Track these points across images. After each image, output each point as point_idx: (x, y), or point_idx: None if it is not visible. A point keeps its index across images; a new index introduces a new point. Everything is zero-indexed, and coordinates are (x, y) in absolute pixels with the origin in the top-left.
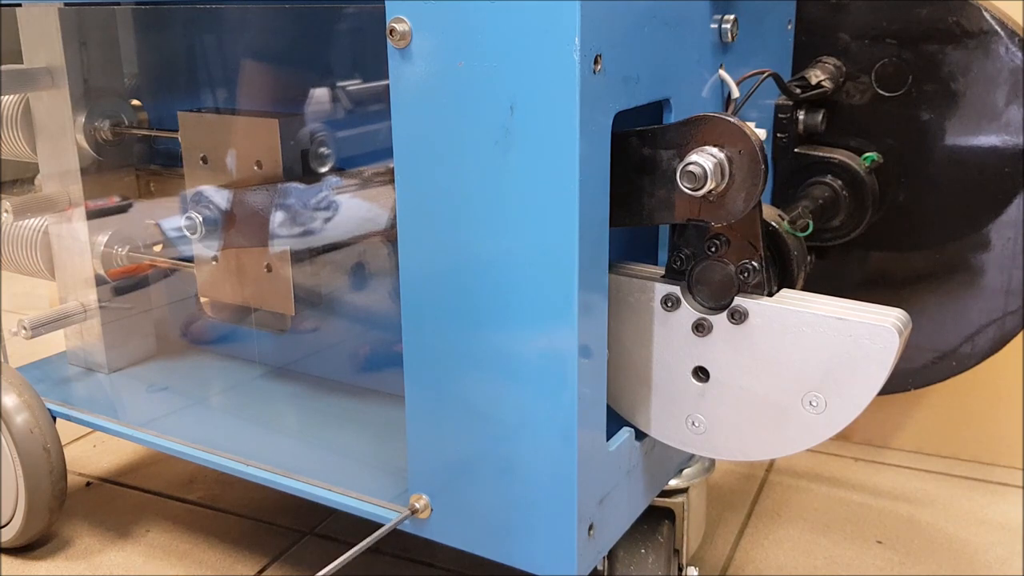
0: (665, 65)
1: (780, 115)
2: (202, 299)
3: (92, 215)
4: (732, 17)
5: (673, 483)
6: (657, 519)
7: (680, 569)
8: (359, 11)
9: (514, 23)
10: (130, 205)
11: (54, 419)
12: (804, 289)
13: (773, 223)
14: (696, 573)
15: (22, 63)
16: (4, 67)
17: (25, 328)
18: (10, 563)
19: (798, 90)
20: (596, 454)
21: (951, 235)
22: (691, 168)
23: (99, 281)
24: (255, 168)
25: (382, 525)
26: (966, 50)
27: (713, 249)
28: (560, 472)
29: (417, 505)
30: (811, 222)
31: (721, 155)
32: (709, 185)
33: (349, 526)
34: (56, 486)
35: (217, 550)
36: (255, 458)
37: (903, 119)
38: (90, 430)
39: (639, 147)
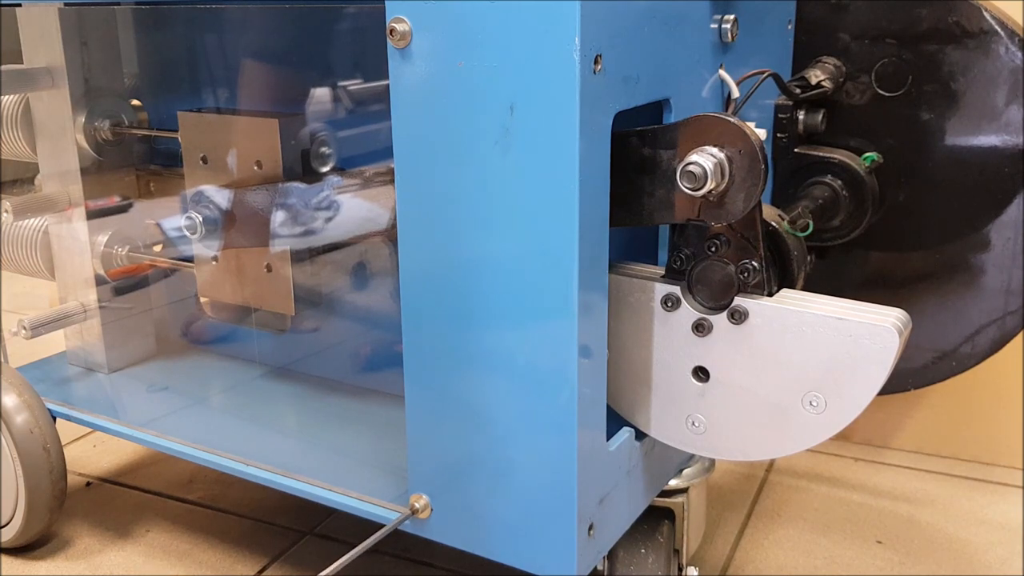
0: (665, 65)
1: (780, 115)
2: (202, 299)
3: (92, 215)
4: (732, 17)
5: (673, 483)
6: (657, 519)
7: (680, 569)
8: (359, 11)
9: (514, 23)
10: (130, 205)
11: (54, 419)
12: (804, 289)
13: (773, 223)
14: (696, 573)
15: (22, 63)
16: (4, 67)
17: (25, 328)
18: (10, 563)
19: (798, 90)
20: (596, 454)
21: (951, 235)
22: (691, 168)
23: (99, 281)
24: (255, 168)
25: (382, 525)
26: (966, 50)
27: (713, 249)
28: (560, 472)
29: (417, 505)
30: (811, 222)
31: (721, 155)
32: (709, 185)
33: (349, 526)
34: (56, 486)
35: (217, 550)
36: (255, 458)
37: (903, 119)
38: (90, 430)
39: (639, 147)
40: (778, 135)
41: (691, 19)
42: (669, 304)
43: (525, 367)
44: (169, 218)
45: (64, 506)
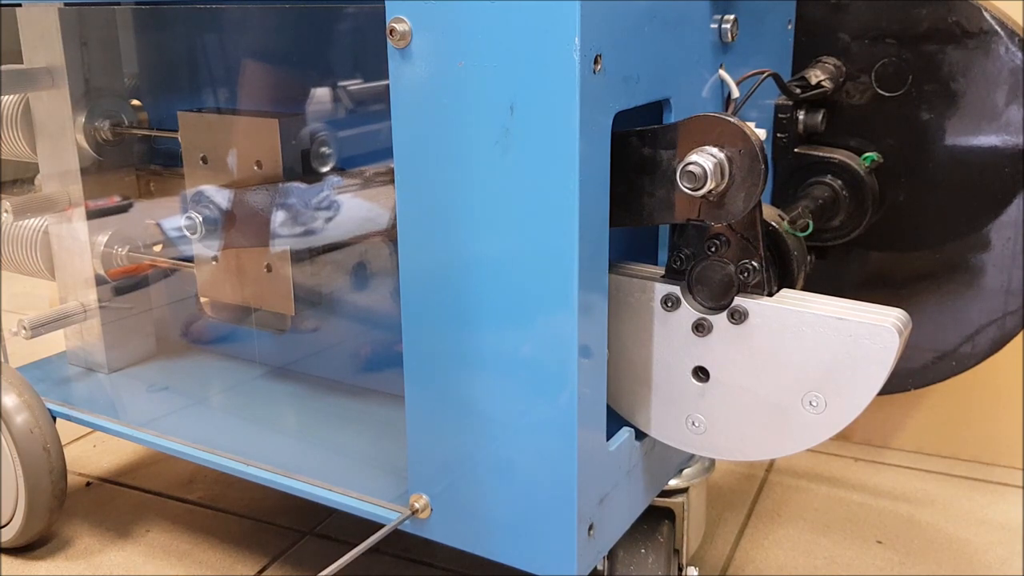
0: (665, 65)
1: (780, 115)
2: (202, 299)
3: (92, 215)
4: (732, 17)
5: (673, 483)
6: (657, 519)
7: (680, 569)
8: (359, 11)
9: (514, 23)
10: (130, 205)
11: (54, 419)
12: (804, 289)
13: (773, 223)
14: (696, 573)
15: (22, 63)
16: (4, 67)
17: (25, 328)
18: (10, 563)
19: (798, 90)
20: (596, 454)
21: (951, 235)
22: (691, 168)
23: (99, 281)
24: (255, 168)
25: (382, 525)
26: (966, 50)
27: (713, 249)
28: (560, 472)
29: (417, 505)
30: (811, 222)
31: (721, 155)
32: (709, 185)
33: (349, 526)
34: (56, 486)
35: (217, 550)
36: (255, 458)
37: (903, 119)
38: (90, 430)
39: (639, 147)
40: (778, 135)
41: (691, 19)
42: (669, 304)
43: (525, 367)
44: (169, 218)
45: (64, 506)
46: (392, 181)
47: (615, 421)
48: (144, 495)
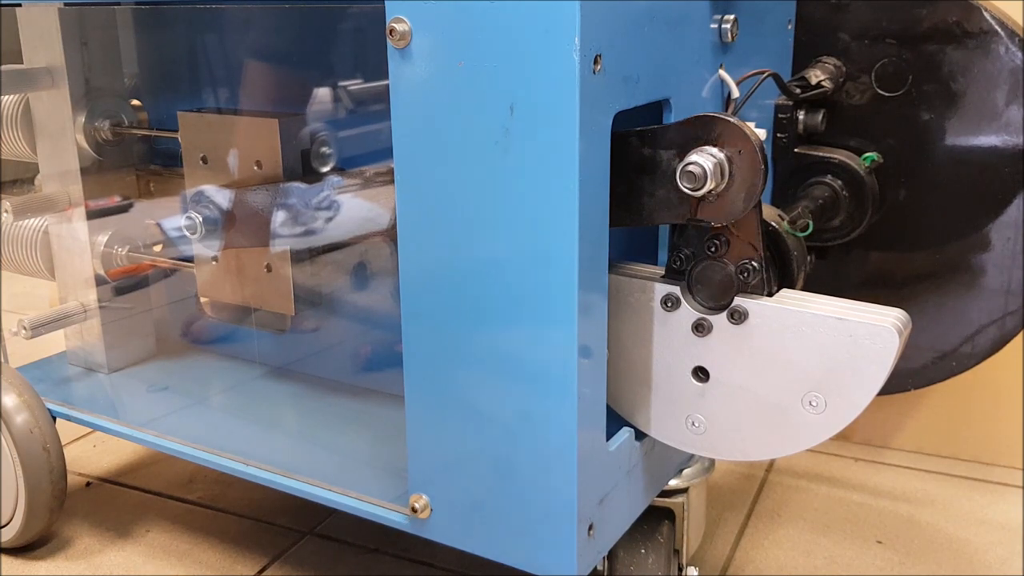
0: (665, 65)
1: (780, 115)
2: (202, 299)
3: (92, 215)
4: (732, 17)
5: (673, 483)
6: (657, 519)
7: (680, 569)
8: (359, 11)
9: (514, 23)
10: (130, 205)
11: (54, 419)
12: (804, 289)
13: (773, 223)
14: (696, 573)
15: (22, 63)
16: (4, 67)
17: (25, 328)
18: (10, 563)
19: (798, 90)
20: (596, 454)
21: (951, 235)
22: (691, 168)
23: (99, 281)
24: (255, 168)
25: (382, 525)
26: (966, 50)
27: (713, 249)
28: (560, 472)
29: (417, 505)
30: (811, 222)
31: (721, 155)
32: (709, 185)
33: (349, 526)
34: (56, 486)
35: (217, 550)
36: (255, 458)
37: (903, 119)
38: (90, 430)
39: (639, 147)
40: (778, 135)
41: (691, 19)
42: (669, 304)
43: (525, 367)
44: (169, 218)
45: (64, 506)
46: (392, 181)
47: (615, 421)
48: (144, 495)
